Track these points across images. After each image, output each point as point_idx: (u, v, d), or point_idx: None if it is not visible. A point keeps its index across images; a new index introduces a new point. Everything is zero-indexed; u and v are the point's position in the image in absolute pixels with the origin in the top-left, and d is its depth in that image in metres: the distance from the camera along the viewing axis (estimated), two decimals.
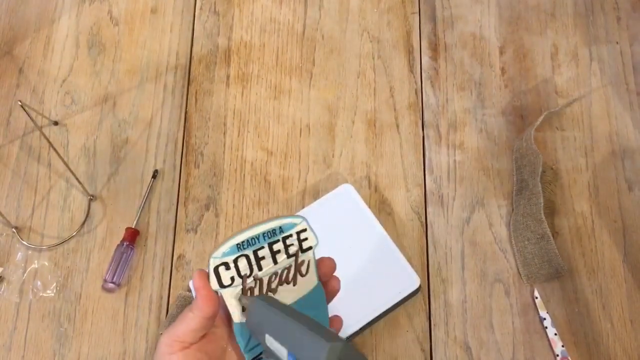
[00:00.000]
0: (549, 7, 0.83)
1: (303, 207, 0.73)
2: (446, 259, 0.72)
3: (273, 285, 0.48)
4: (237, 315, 0.48)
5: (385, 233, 0.70)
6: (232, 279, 0.47)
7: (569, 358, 0.67)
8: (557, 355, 0.67)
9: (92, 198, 0.74)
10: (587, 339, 0.68)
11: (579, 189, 0.74)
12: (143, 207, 0.74)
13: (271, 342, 0.44)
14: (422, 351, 0.68)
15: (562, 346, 0.67)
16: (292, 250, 0.49)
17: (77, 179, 0.73)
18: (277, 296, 0.49)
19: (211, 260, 0.46)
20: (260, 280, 0.48)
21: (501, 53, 0.81)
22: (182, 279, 0.71)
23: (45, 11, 0.84)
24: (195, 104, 0.79)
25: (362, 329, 0.67)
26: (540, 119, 0.75)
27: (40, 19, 0.83)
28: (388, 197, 0.74)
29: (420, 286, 0.68)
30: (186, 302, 0.68)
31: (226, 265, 0.47)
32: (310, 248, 0.49)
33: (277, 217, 0.48)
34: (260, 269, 0.48)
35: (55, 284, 0.71)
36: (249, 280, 0.47)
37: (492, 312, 0.69)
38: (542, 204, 0.71)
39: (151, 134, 0.78)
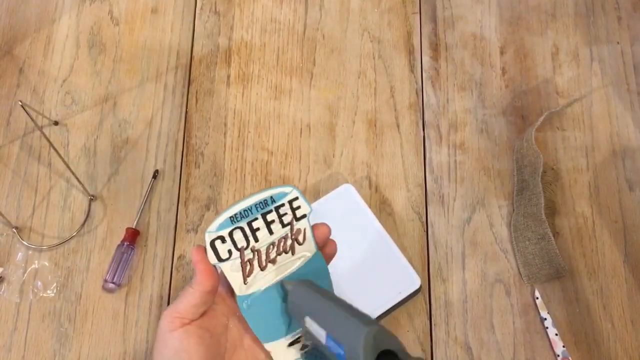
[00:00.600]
0: (550, 7, 0.83)
1: None
2: (447, 259, 0.72)
3: (272, 256, 0.49)
4: (238, 288, 0.48)
5: (386, 233, 0.70)
6: (230, 252, 0.47)
7: (570, 358, 0.67)
8: (558, 356, 0.67)
9: (92, 198, 0.74)
10: (587, 339, 0.68)
11: (580, 189, 0.74)
12: (143, 207, 0.74)
13: (310, 324, 0.45)
14: (423, 351, 0.68)
15: (563, 346, 0.67)
16: (286, 219, 0.49)
17: (77, 179, 0.73)
18: (276, 266, 0.49)
19: (206, 235, 0.47)
20: (258, 251, 0.48)
21: (502, 53, 0.81)
22: (182, 279, 0.71)
23: (45, 11, 0.84)
24: (196, 104, 0.79)
25: None
26: (541, 119, 0.75)
27: (40, 19, 0.83)
28: (388, 197, 0.74)
29: (421, 286, 0.68)
30: None
31: (222, 238, 0.47)
32: (304, 216, 0.49)
33: (268, 188, 0.49)
34: (256, 240, 0.48)
35: (55, 284, 0.71)
36: (247, 252, 0.48)
37: (493, 312, 0.69)
38: (543, 204, 0.71)
39: (151, 134, 0.77)
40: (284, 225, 0.49)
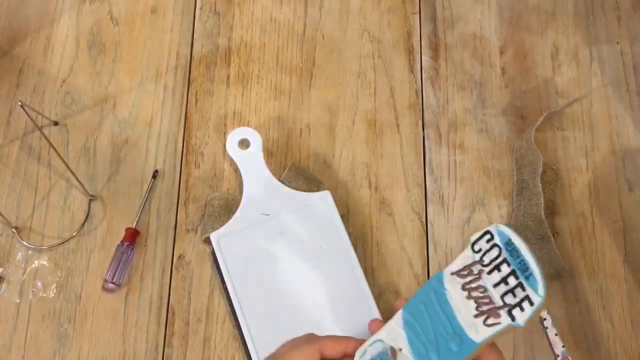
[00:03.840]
0: (550, 7, 0.83)
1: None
2: (447, 259, 0.72)
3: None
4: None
5: (354, 255, 0.68)
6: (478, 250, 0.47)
7: (570, 358, 0.67)
8: (558, 356, 0.67)
9: (92, 198, 0.74)
10: (587, 339, 0.68)
11: (580, 189, 0.74)
12: (143, 207, 0.74)
13: None
14: None
15: (563, 346, 0.67)
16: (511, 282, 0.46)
17: (77, 179, 0.73)
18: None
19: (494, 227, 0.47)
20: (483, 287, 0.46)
21: (501, 53, 0.81)
22: (182, 279, 0.71)
23: (45, 11, 0.84)
24: (196, 104, 0.79)
25: None
26: (541, 119, 0.75)
27: (40, 19, 0.83)
28: (388, 198, 0.74)
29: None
30: (222, 200, 0.72)
31: (486, 239, 0.47)
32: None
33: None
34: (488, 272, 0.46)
35: (55, 284, 0.71)
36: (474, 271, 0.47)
37: None
38: (543, 204, 0.71)
39: (151, 134, 0.77)
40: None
